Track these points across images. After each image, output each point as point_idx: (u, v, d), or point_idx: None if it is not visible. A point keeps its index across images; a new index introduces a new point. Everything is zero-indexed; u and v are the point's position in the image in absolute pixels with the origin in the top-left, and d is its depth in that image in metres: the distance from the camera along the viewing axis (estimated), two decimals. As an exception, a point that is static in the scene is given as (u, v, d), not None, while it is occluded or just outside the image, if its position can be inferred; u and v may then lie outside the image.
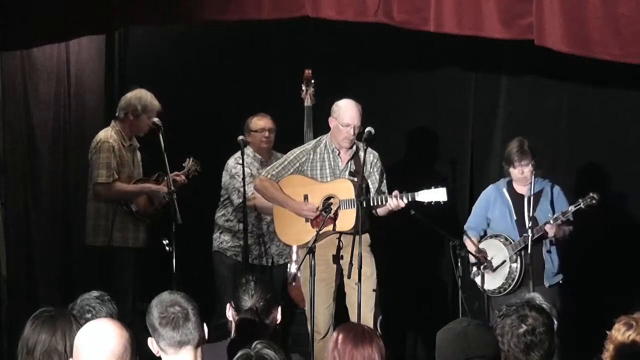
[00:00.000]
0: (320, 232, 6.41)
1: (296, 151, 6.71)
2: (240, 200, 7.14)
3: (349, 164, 6.61)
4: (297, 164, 6.69)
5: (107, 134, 7.04)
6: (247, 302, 4.26)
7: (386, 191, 6.56)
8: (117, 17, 7.05)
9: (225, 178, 7.38)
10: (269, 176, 6.72)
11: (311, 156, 6.67)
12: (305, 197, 6.64)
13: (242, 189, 7.05)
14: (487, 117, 7.73)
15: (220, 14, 6.84)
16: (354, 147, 6.62)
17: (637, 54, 5.70)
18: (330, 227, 6.49)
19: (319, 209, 6.52)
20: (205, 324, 3.67)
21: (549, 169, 6.92)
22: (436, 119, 7.84)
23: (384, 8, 6.28)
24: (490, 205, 6.71)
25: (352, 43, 7.66)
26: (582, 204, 6.25)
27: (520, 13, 5.94)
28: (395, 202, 6.34)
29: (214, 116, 7.45)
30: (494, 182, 6.90)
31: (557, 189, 6.61)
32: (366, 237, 6.59)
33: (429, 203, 6.30)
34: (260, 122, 7.41)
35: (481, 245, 6.64)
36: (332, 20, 6.53)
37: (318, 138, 6.74)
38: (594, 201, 6.24)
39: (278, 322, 4.34)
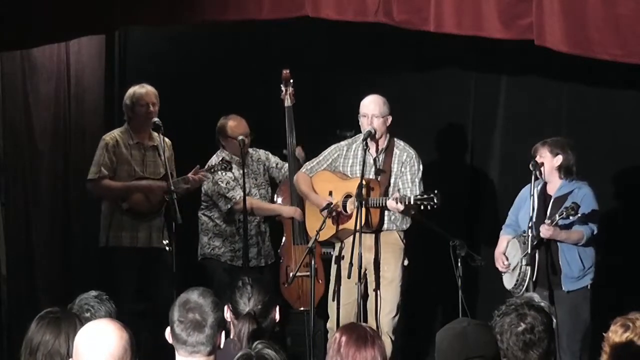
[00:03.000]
0: (340, 230, 6.48)
1: (332, 147, 6.76)
2: (228, 206, 7.18)
3: (377, 160, 6.57)
4: (330, 160, 6.73)
5: (111, 132, 7.17)
6: (245, 306, 4.24)
7: (417, 193, 6.40)
8: (117, 17, 7.05)
9: (207, 185, 7.23)
10: (304, 170, 6.81)
11: (344, 152, 6.69)
12: (330, 193, 6.65)
13: (227, 195, 7.14)
14: (487, 117, 7.73)
15: (220, 14, 6.84)
16: (386, 144, 6.58)
17: (637, 54, 5.70)
18: (347, 225, 6.49)
19: (321, 207, 6.54)
20: (223, 332, 3.66)
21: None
22: (436, 119, 7.83)
23: (384, 8, 6.29)
24: (521, 204, 6.55)
25: (352, 43, 7.66)
26: (564, 213, 6.19)
27: (520, 13, 5.94)
28: (394, 205, 6.32)
29: (214, 116, 7.44)
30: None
31: (583, 191, 6.37)
32: (393, 238, 6.57)
33: (425, 208, 6.23)
34: (238, 130, 7.23)
35: (509, 244, 6.54)
36: (332, 20, 6.54)
37: (358, 134, 6.66)
38: (572, 210, 6.16)
39: (277, 321, 4.33)
